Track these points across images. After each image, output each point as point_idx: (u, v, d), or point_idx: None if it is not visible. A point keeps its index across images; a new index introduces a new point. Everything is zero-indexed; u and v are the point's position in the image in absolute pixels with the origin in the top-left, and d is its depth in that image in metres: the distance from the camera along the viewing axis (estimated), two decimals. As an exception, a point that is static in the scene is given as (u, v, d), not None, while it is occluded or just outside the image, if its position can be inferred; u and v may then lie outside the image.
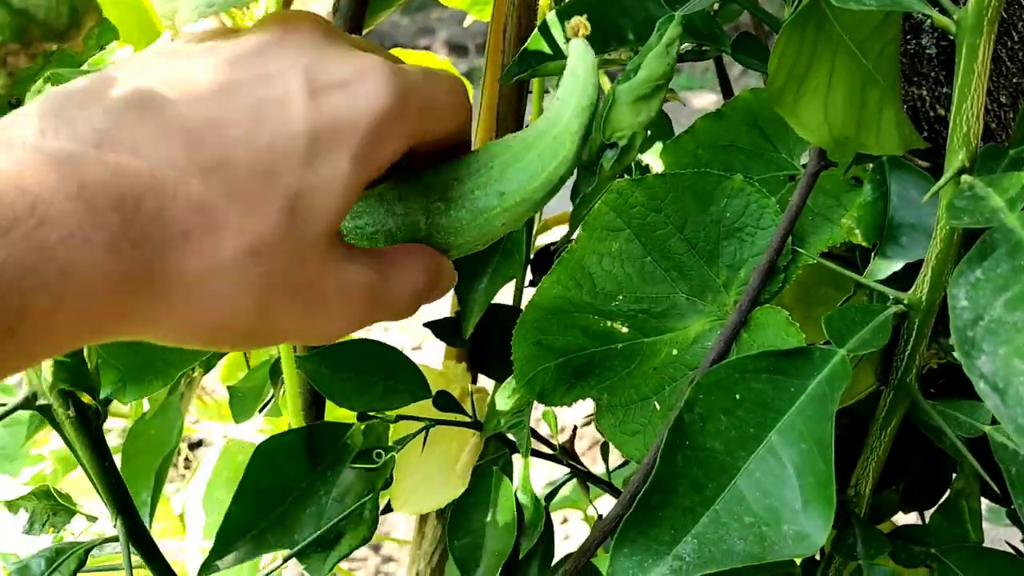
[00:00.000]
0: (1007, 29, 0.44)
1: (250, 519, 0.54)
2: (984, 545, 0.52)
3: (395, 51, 0.87)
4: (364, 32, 0.58)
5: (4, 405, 0.51)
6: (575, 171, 0.40)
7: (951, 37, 0.38)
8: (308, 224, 0.33)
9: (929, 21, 0.46)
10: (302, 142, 0.32)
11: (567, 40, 0.38)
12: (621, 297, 0.52)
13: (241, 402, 0.75)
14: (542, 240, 0.72)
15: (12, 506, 0.58)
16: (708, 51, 0.46)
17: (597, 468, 0.70)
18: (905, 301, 0.43)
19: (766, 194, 0.49)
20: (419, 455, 0.60)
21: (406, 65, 0.37)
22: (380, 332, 2.32)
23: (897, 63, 0.43)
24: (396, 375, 0.57)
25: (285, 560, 0.58)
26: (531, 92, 0.62)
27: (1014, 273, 0.33)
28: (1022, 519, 0.42)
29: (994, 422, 0.44)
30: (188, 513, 0.93)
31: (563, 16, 0.45)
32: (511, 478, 0.58)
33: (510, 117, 0.61)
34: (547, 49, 0.43)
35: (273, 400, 0.76)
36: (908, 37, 0.47)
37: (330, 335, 0.37)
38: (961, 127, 0.37)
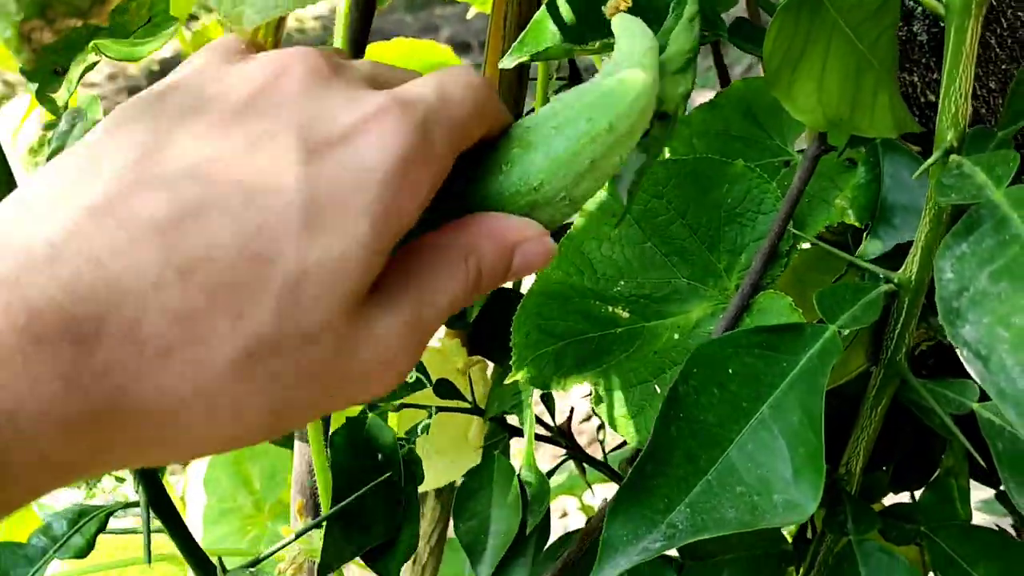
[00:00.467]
0: (996, 16, 0.45)
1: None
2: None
3: (397, 41, 0.88)
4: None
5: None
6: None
7: (942, 24, 0.39)
8: (319, 307, 0.28)
9: (920, 8, 0.47)
10: (300, 215, 0.28)
11: (608, 20, 0.36)
12: (622, 282, 0.53)
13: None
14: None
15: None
16: (707, 36, 0.47)
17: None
18: (895, 280, 0.44)
19: (767, 179, 0.50)
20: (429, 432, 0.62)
21: (416, 85, 0.33)
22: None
23: (894, 49, 0.44)
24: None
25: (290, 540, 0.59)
26: (533, 79, 0.63)
27: (999, 247, 0.34)
28: (1008, 493, 0.43)
29: (982, 399, 0.45)
30: (189, 495, 0.95)
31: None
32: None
33: (510, 103, 0.62)
34: (552, 31, 0.44)
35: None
36: (900, 24, 0.48)
37: (374, 397, 0.33)
38: (949, 108, 0.38)
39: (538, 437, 0.62)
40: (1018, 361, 0.31)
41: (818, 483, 0.40)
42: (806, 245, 0.55)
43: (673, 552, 0.58)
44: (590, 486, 0.72)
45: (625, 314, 0.52)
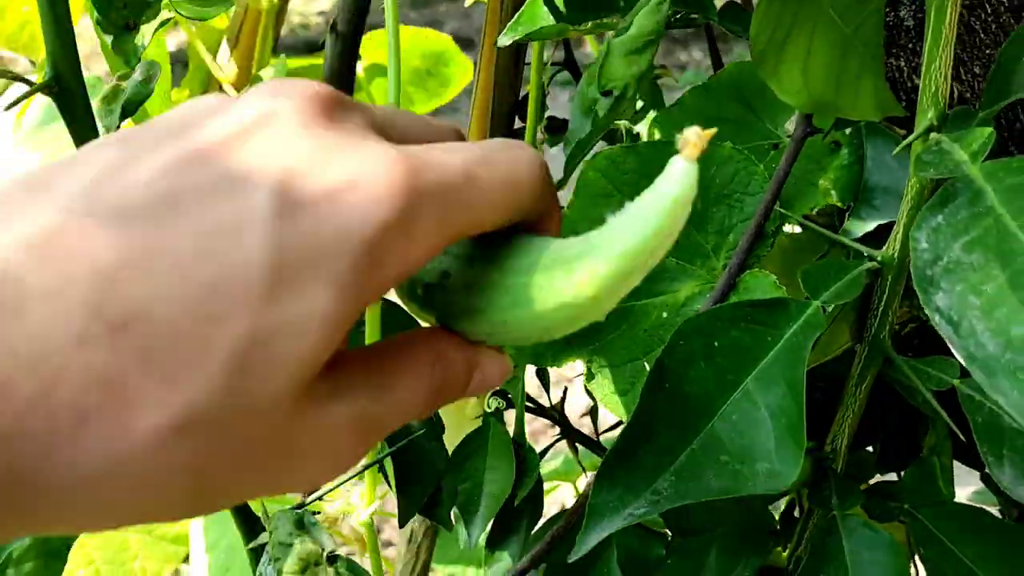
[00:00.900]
0: (980, 2, 0.46)
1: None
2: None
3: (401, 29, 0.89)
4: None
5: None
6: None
7: (927, 8, 0.40)
8: (267, 379, 0.25)
9: (907, -7, 0.48)
10: (260, 275, 0.24)
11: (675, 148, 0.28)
12: (612, 261, 0.54)
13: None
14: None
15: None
16: (697, 19, 0.48)
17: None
18: (878, 258, 0.45)
19: (754, 161, 0.51)
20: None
21: (446, 151, 0.28)
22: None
23: (880, 33, 0.45)
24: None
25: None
26: (528, 64, 0.64)
27: (973, 219, 0.35)
28: (987, 466, 0.44)
29: (962, 375, 0.46)
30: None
31: None
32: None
33: (506, 86, 0.64)
34: (543, 11, 0.45)
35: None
36: (887, 9, 0.49)
37: (304, 489, 0.29)
38: (930, 87, 0.39)
39: (531, 410, 0.63)
40: (987, 327, 0.32)
41: (799, 453, 0.41)
42: (797, 229, 0.56)
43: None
44: (585, 470, 0.73)
45: (616, 293, 0.53)
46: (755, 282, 0.50)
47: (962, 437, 0.45)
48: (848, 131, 0.49)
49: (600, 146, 0.55)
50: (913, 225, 0.35)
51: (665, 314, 0.54)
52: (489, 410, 0.60)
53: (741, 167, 0.51)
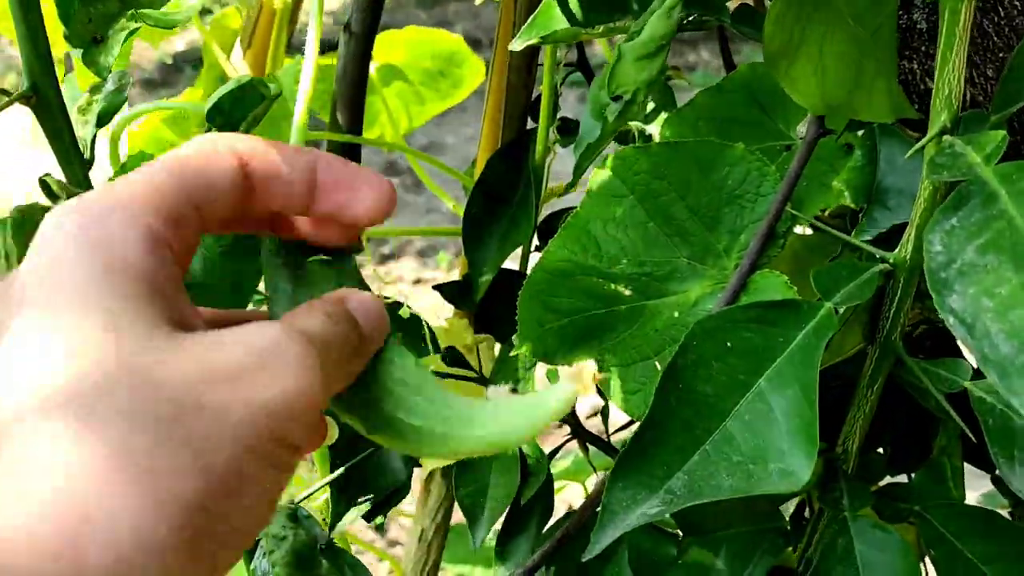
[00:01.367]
0: (994, 5, 0.46)
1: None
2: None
3: (408, 28, 0.89)
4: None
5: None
6: None
7: (940, 10, 0.40)
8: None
9: (920, -5, 0.48)
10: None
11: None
12: (625, 261, 0.55)
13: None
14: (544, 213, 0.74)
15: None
16: (709, 21, 0.48)
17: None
18: (891, 260, 0.45)
19: (766, 162, 0.51)
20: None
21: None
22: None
23: (894, 37, 0.45)
24: (407, 331, 0.59)
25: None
26: (541, 65, 0.65)
27: (987, 221, 0.35)
28: (998, 468, 0.44)
29: (975, 377, 0.46)
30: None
31: None
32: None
33: (520, 88, 0.64)
34: (557, 14, 0.46)
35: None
36: (900, 12, 0.49)
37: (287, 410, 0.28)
38: (943, 89, 0.40)
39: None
40: (1001, 328, 0.32)
41: (812, 453, 0.41)
42: (808, 231, 0.57)
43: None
44: (595, 469, 0.74)
45: (628, 292, 0.54)
46: (766, 283, 0.50)
47: (973, 439, 0.45)
48: (861, 133, 0.50)
49: (612, 147, 0.55)
50: (927, 227, 0.36)
51: (677, 313, 0.55)
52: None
53: (753, 168, 0.51)
